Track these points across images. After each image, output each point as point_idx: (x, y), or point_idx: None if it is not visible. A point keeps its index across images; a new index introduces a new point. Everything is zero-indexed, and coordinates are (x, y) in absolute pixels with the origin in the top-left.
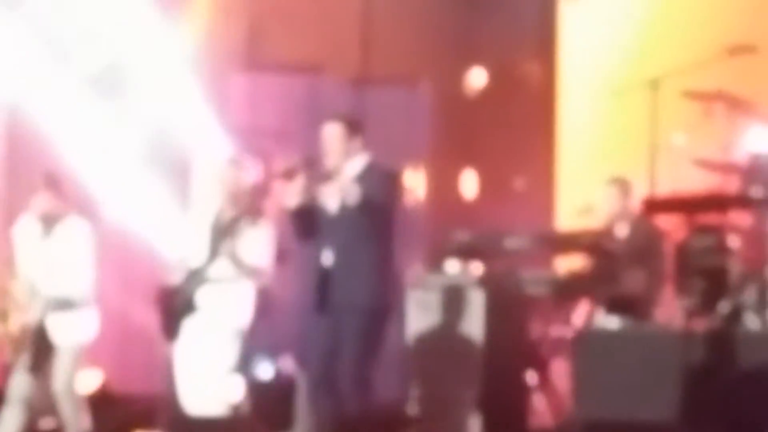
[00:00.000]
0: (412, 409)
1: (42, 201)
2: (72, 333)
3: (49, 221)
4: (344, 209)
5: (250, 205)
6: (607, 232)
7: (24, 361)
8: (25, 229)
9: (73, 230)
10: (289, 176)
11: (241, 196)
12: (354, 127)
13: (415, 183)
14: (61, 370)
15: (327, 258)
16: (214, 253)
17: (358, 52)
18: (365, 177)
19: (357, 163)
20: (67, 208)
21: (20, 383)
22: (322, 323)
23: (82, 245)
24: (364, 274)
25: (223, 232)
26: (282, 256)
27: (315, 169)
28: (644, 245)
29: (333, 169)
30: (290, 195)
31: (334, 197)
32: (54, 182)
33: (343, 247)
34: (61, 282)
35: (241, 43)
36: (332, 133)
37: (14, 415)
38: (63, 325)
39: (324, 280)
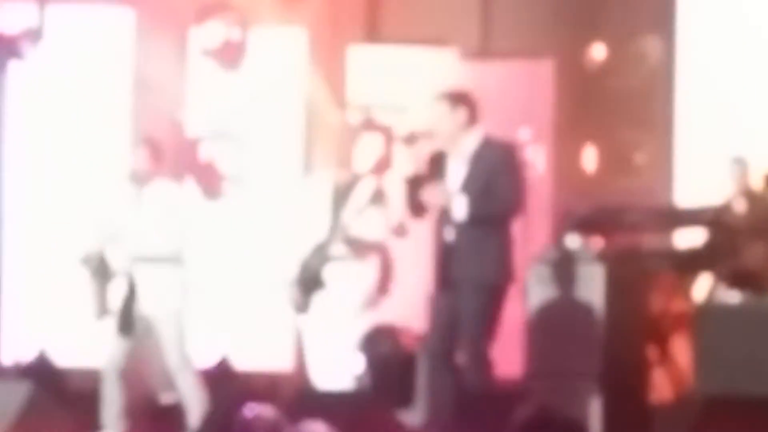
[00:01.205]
0: (531, 384)
1: (138, 160)
2: (168, 300)
3: (141, 182)
4: (465, 185)
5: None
6: (727, 208)
7: (114, 330)
8: (116, 190)
9: (167, 192)
10: (410, 143)
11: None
12: (460, 100)
13: (536, 158)
14: (167, 341)
15: (449, 233)
16: (335, 226)
17: (479, 27)
18: (481, 153)
19: (472, 139)
20: (160, 170)
21: (111, 353)
22: (442, 299)
23: (176, 207)
24: (484, 250)
25: (341, 204)
26: (401, 230)
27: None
28: (764, 220)
29: (444, 146)
30: (410, 164)
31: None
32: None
33: (463, 223)
34: (156, 243)
35: (360, 16)
36: (436, 111)
37: (111, 387)
38: (157, 290)
39: (446, 255)
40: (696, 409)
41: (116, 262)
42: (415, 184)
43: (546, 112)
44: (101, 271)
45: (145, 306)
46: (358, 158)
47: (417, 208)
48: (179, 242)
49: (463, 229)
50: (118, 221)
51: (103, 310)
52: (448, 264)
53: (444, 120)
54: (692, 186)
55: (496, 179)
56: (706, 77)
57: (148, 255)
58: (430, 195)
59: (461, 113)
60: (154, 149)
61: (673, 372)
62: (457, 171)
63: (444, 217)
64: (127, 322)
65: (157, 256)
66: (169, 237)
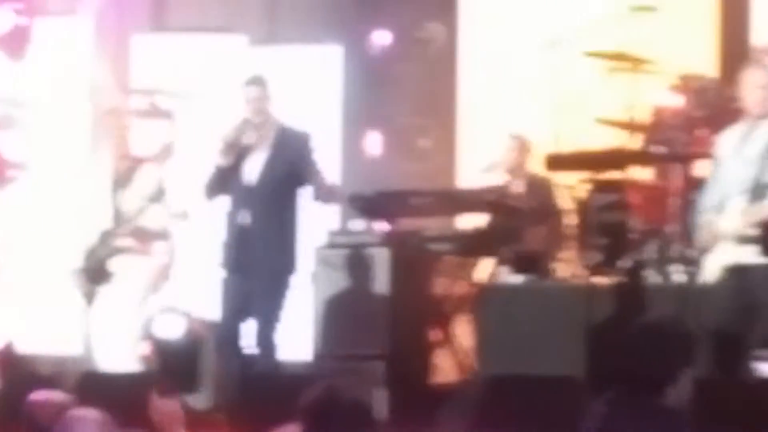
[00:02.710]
0: (319, 367)
1: None
2: None
3: None
4: (265, 173)
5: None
6: (507, 190)
7: None
8: None
9: None
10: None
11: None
12: (269, 88)
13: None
14: None
15: (244, 218)
16: (118, 214)
17: (266, 13)
18: (280, 140)
19: (271, 126)
20: None
21: None
22: (232, 283)
23: None
24: (276, 235)
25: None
26: (184, 216)
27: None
28: (543, 202)
29: (257, 128)
30: (221, 153)
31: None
32: None
33: (260, 208)
34: None
35: (146, 4)
36: (254, 93)
37: None
38: None
39: (239, 240)
40: (479, 390)
41: None
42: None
43: (332, 98)
44: None
45: None
46: (142, 145)
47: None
48: None
49: (257, 214)
50: None
51: None
52: (241, 248)
53: (261, 104)
54: (475, 170)
55: (293, 166)
56: (488, 63)
57: None
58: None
59: (268, 98)
60: None
61: (456, 353)
62: (256, 158)
63: (239, 201)
64: None
65: None
66: None
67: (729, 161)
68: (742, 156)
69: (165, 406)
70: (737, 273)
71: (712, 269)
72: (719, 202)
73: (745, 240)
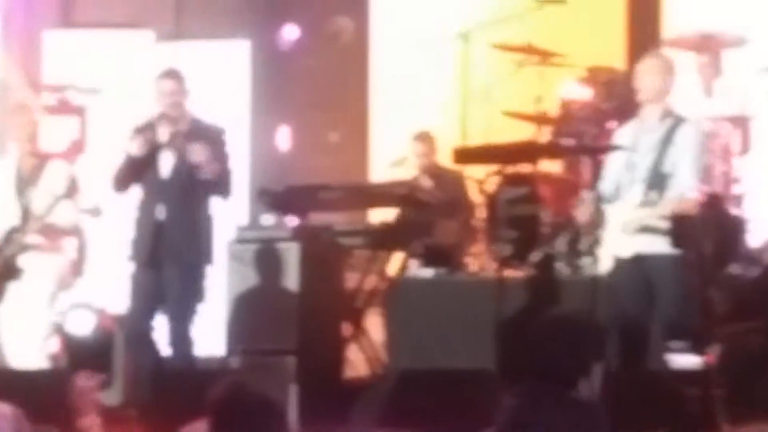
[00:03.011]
0: (232, 362)
1: None
2: None
3: None
4: (179, 167)
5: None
6: (417, 183)
7: None
8: None
9: None
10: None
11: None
12: (181, 78)
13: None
14: None
15: (159, 212)
16: (26, 211)
17: (174, 9)
18: (195, 134)
19: (187, 120)
20: None
21: None
22: (145, 278)
23: None
24: (190, 230)
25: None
26: (95, 212)
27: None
28: (453, 195)
29: (173, 122)
30: (137, 144)
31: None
32: None
33: (175, 202)
34: None
35: (55, 1)
36: (170, 87)
37: None
38: None
39: (153, 234)
40: (390, 384)
41: None
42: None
43: (242, 93)
44: None
45: None
46: (52, 141)
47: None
48: None
49: (171, 208)
50: None
51: None
52: (156, 242)
53: (171, 97)
54: (386, 164)
55: (207, 160)
56: (398, 57)
57: None
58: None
59: (185, 92)
60: None
61: (367, 347)
62: (170, 152)
63: (154, 195)
64: None
65: None
66: None
67: (626, 151)
68: (639, 146)
69: (85, 391)
70: (638, 264)
71: (609, 260)
72: (615, 191)
73: (647, 230)
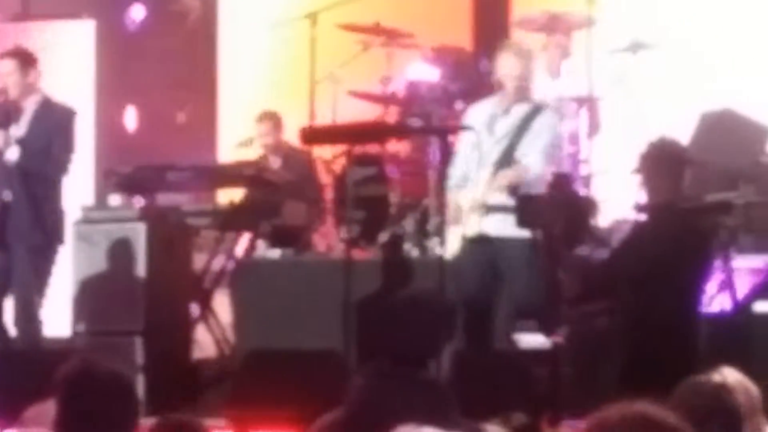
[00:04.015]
0: (78, 342)
1: None
2: None
3: None
4: (25, 147)
5: None
6: (265, 164)
7: None
8: None
9: None
10: None
11: None
12: (29, 61)
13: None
14: None
15: (6, 194)
16: None
17: None
18: (42, 114)
19: (33, 100)
20: None
21: None
22: None
23: None
24: (37, 211)
25: None
26: None
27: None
28: (300, 176)
29: (13, 105)
30: None
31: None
32: None
33: (20, 185)
34: None
35: None
36: (7, 68)
37: None
38: None
39: (0, 216)
40: (237, 364)
41: None
42: None
43: (88, 73)
44: None
45: None
46: None
47: None
48: None
49: (19, 189)
50: None
51: None
52: (2, 224)
53: (12, 76)
54: (234, 145)
55: (53, 141)
56: (247, 36)
57: None
58: None
59: (31, 72)
60: None
61: (215, 328)
62: (18, 129)
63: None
64: None
65: None
66: None
67: (478, 135)
68: (492, 132)
69: None
70: (484, 244)
71: (457, 242)
72: (465, 174)
73: (491, 210)
